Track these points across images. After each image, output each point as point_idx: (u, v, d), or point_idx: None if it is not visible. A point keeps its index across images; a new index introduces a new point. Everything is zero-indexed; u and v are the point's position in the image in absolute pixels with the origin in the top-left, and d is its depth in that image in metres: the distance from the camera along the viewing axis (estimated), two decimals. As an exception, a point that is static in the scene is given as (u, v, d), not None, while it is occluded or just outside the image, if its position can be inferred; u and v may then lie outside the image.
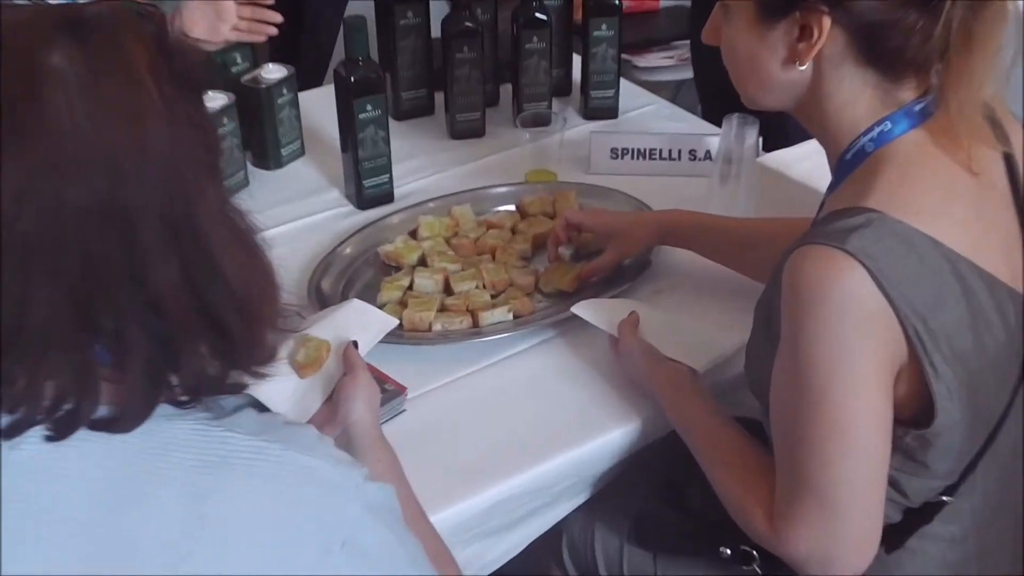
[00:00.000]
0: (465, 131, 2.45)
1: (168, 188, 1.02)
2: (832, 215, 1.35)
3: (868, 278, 1.27)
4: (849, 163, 1.41)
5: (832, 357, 1.28)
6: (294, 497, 1.07)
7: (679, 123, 2.48)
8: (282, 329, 1.14)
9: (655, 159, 2.28)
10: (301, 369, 1.54)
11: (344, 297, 1.87)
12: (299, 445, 1.10)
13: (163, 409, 1.08)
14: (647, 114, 2.54)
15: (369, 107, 2.07)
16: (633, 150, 2.28)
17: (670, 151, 2.27)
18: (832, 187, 1.45)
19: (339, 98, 2.10)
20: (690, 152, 2.28)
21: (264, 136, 2.32)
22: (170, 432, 1.07)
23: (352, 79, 2.04)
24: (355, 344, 1.57)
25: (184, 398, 1.09)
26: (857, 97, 1.39)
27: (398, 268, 1.98)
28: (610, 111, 2.53)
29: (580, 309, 1.74)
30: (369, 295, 1.88)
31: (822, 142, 1.47)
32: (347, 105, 2.07)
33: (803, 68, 1.40)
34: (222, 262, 1.05)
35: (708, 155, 2.26)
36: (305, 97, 2.42)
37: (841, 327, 1.27)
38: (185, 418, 1.09)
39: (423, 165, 2.36)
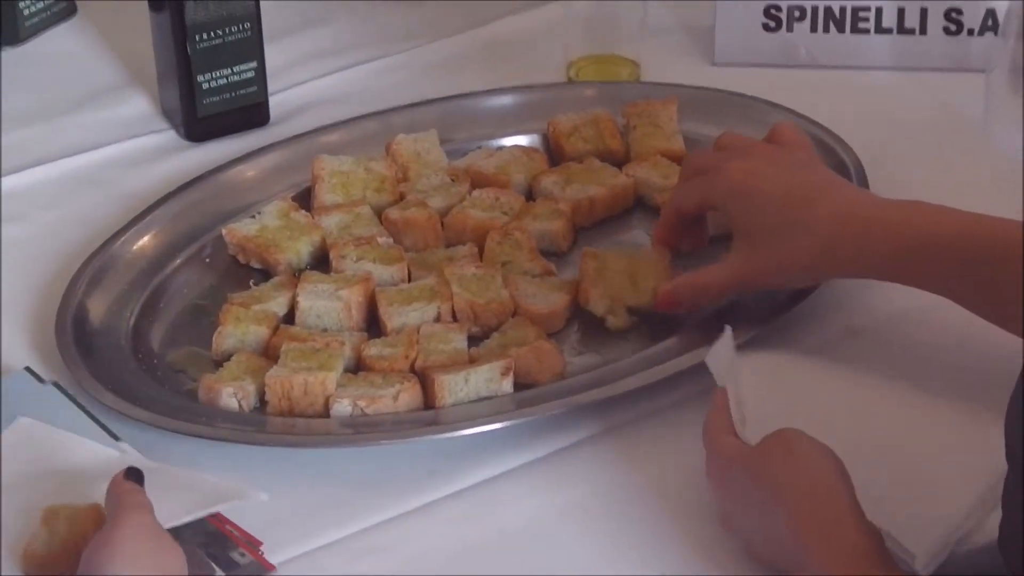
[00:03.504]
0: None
1: None
2: None
3: None
4: None
5: None
6: None
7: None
8: None
9: (863, 31, 1.68)
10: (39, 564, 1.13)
11: (135, 348, 1.37)
12: None
13: None
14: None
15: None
16: (813, 9, 1.68)
17: (901, 13, 1.68)
18: None
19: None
20: (948, 16, 1.68)
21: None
22: None
23: None
24: (134, 474, 1.16)
25: None
26: None
27: (264, 274, 1.42)
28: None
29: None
30: (195, 333, 1.39)
31: None
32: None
33: None
34: None
35: (991, 24, 1.66)
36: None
37: None
38: None
39: (334, 44, 1.70)
